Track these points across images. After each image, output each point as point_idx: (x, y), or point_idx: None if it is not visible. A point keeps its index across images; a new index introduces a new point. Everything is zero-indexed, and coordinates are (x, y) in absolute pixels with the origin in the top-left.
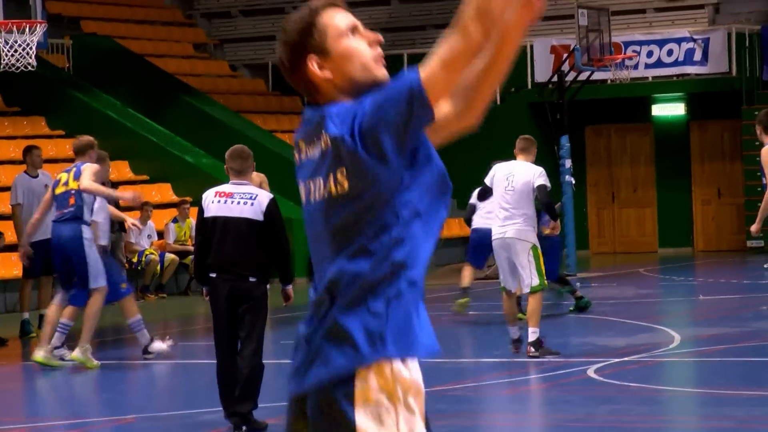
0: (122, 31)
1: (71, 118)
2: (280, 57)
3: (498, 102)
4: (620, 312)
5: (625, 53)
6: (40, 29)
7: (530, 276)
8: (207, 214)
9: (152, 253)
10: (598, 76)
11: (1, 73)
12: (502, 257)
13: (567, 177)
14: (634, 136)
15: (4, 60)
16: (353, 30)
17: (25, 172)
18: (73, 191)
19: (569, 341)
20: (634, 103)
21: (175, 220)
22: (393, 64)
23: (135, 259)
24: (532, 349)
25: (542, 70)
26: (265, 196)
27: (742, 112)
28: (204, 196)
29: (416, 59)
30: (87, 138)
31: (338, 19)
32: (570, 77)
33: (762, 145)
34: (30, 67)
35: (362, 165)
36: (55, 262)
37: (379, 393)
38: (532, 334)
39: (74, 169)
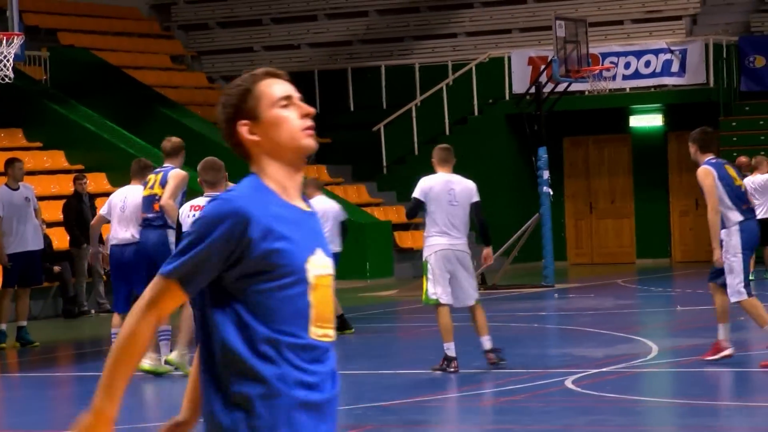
0: (100, 43)
1: (49, 130)
2: (218, 117)
3: (476, 113)
4: (598, 323)
5: (602, 64)
6: (17, 41)
7: (474, 287)
8: (184, 228)
9: None
10: (575, 87)
11: None
12: (445, 270)
13: (545, 188)
14: (612, 147)
15: None
16: (287, 100)
17: (6, 184)
18: (157, 197)
19: (547, 352)
20: (611, 114)
21: None
22: (372, 75)
23: None
24: (493, 356)
25: (520, 82)
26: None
27: (719, 123)
28: (180, 210)
29: (394, 71)
30: (177, 140)
31: (274, 88)
32: (548, 88)
33: (697, 165)
34: (7, 79)
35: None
36: (140, 267)
37: None
38: (489, 341)
39: (161, 173)
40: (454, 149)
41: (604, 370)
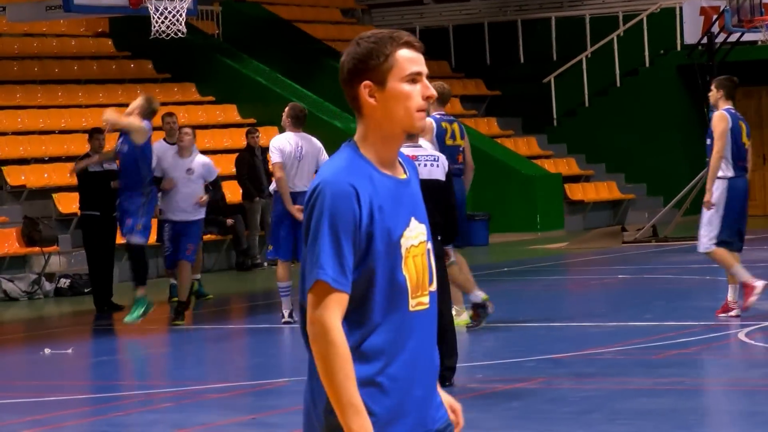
0: None
1: (221, 84)
2: (344, 62)
3: (647, 64)
4: None
5: None
6: None
7: None
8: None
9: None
10: (748, 37)
11: (151, 41)
12: None
13: None
14: None
15: (154, 27)
16: (417, 76)
17: (164, 139)
18: (461, 148)
19: (719, 305)
20: None
21: None
22: (541, 26)
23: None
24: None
25: (692, 32)
26: (443, 157)
27: None
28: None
29: (564, 22)
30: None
31: (409, 60)
32: (720, 39)
33: (716, 109)
34: (180, 34)
35: None
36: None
37: None
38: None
39: (455, 123)
40: (625, 101)
41: None
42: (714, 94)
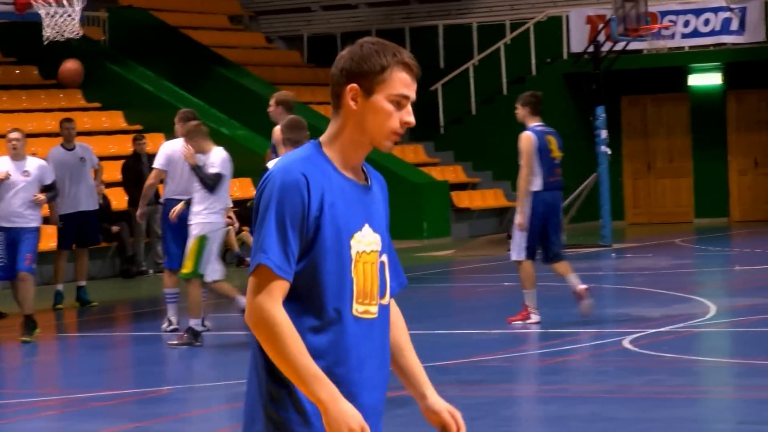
0: (158, 4)
1: (107, 91)
2: (339, 61)
3: (533, 72)
4: (655, 283)
5: (661, 23)
6: (79, 1)
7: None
8: None
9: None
10: (634, 46)
11: (36, 47)
12: (216, 245)
13: (602, 147)
14: (670, 106)
15: (46, 32)
16: (403, 99)
17: (61, 144)
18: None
19: (604, 312)
20: (670, 73)
21: None
22: (429, 34)
23: None
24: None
25: (578, 41)
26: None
27: None
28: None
29: (451, 30)
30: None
31: (402, 81)
32: (606, 47)
33: (524, 127)
34: (77, 35)
35: None
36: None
37: None
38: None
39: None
40: (511, 109)
41: (661, 330)
42: (520, 111)
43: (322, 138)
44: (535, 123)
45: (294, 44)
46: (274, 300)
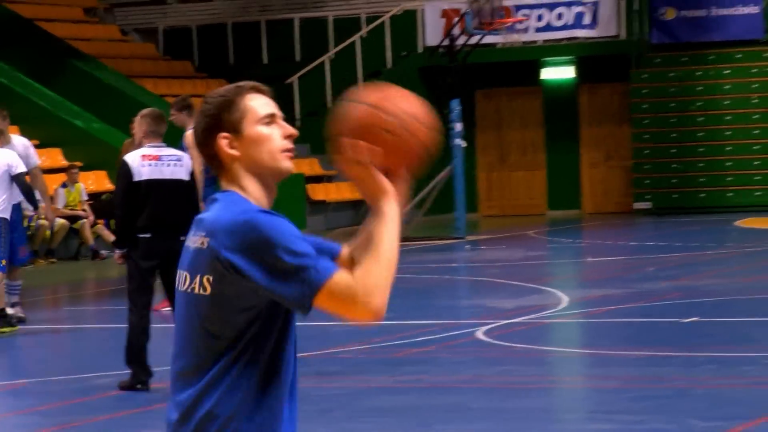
0: None
1: None
2: (196, 126)
3: (389, 66)
4: (509, 274)
5: (515, 17)
6: None
7: None
8: (138, 177)
9: (41, 218)
10: (488, 39)
11: None
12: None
13: (457, 140)
14: (523, 99)
15: None
16: (271, 118)
17: None
18: None
19: (458, 303)
20: (524, 66)
21: (64, 185)
22: (285, 27)
23: (25, 224)
24: None
25: (433, 34)
26: (187, 156)
27: (630, 76)
28: (129, 161)
29: (307, 23)
30: None
31: (259, 104)
32: (461, 41)
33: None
34: None
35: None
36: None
37: None
38: None
39: None
40: None
41: (514, 321)
42: (179, 117)
43: (236, 189)
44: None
45: (149, 37)
46: (361, 287)
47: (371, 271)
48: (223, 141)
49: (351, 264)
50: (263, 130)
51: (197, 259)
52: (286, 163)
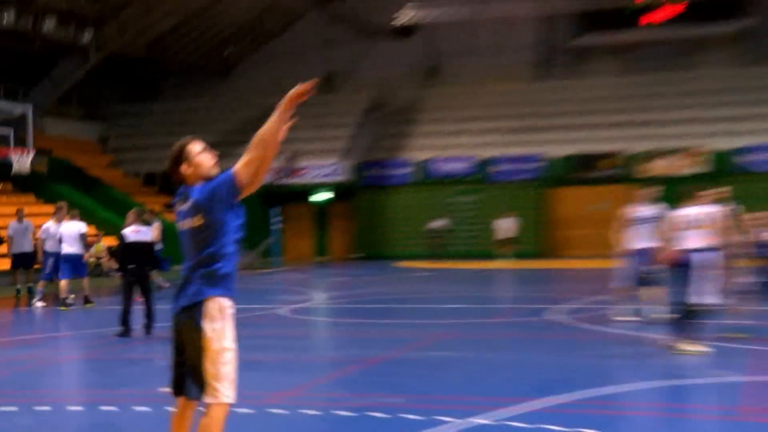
0: None
1: None
2: (168, 162)
3: None
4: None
5: (302, 170)
6: None
7: None
8: (128, 240)
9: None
10: (287, 181)
11: None
12: None
13: (275, 219)
14: (304, 209)
15: None
16: (203, 150)
17: None
18: None
19: None
20: (302, 193)
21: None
22: None
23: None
24: None
25: None
26: (149, 230)
27: (354, 199)
28: (124, 232)
29: None
30: None
31: (196, 146)
32: (275, 182)
33: None
34: None
35: (208, 213)
36: None
37: (214, 311)
38: None
39: None
40: None
41: None
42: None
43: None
44: None
45: None
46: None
47: (248, 150)
48: (183, 166)
49: None
50: (201, 157)
51: (193, 210)
52: (215, 171)
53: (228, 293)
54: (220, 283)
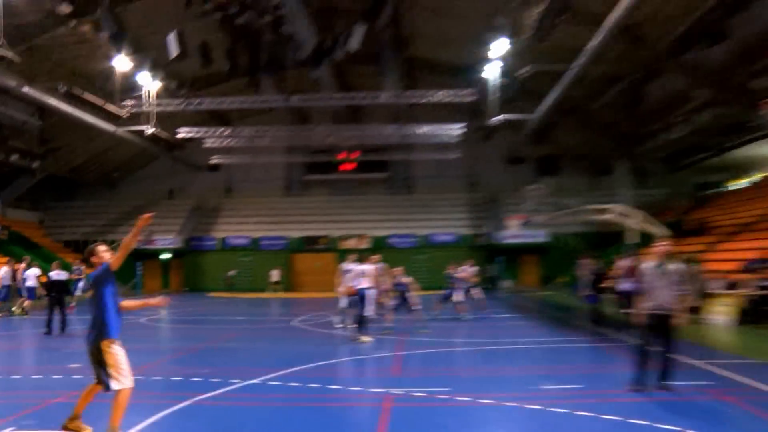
0: None
1: None
2: (85, 254)
3: None
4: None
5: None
6: None
7: None
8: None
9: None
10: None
11: None
12: None
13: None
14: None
15: None
16: (106, 250)
17: None
18: None
19: None
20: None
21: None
22: None
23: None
24: None
25: None
26: (79, 270)
27: None
28: (50, 273)
29: None
30: None
31: (102, 247)
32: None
33: None
34: None
35: (97, 285)
36: None
37: (105, 347)
38: None
39: None
40: None
41: None
42: None
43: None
44: None
45: None
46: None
47: (119, 249)
48: (94, 257)
49: None
50: (104, 253)
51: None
52: (117, 263)
53: (112, 335)
54: (104, 330)
